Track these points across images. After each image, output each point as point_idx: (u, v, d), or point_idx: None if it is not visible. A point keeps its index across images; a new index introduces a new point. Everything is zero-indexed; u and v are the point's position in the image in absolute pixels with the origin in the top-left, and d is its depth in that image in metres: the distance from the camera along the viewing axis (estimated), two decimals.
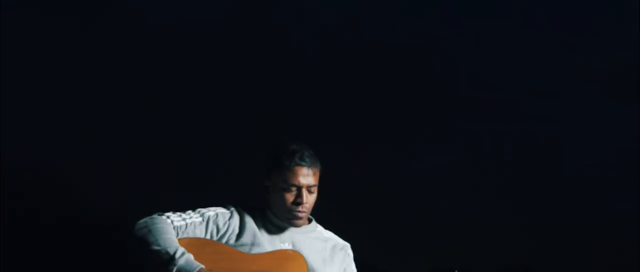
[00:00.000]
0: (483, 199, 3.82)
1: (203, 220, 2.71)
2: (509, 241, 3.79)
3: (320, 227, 2.91)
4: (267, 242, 2.71)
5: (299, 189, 2.70)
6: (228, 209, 2.77)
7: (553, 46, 3.79)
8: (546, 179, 3.80)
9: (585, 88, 3.79)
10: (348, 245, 2.93)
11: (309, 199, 2.73)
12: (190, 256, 2.51)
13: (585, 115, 3.80)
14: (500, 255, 3.85)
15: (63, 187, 3.49)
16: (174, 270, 2.47)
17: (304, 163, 2.70)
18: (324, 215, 2.91)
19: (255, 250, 2.67)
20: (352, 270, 2.87)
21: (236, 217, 2.75)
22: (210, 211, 2.75)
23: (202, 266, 2.50)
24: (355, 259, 2.92)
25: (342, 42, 3.72)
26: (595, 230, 3.81)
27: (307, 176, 2.71)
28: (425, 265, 3.68)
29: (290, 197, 2.70)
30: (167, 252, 2.49)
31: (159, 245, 2.51)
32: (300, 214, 2.73)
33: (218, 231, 2.71)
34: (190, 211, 2.72)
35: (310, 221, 2.88)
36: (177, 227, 2.63)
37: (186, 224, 2.66)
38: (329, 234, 2.92)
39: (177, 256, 2.49)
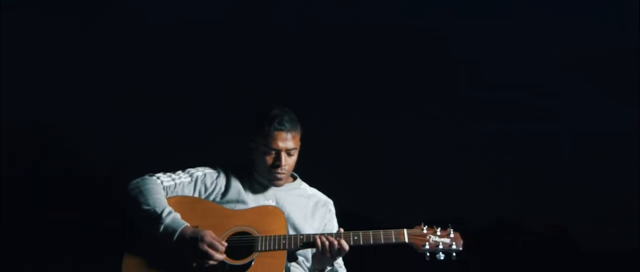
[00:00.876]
0: (473, 158, 3.96)
1: (191, 180, 2.91)
2: (497, 197, 3.95)
3: (304, 185, 3.09)
4: (252, 200, 2.90)
5: (278, 152, 2.87)
6: (215, 169, 2.96)
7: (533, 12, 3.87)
8: (531, 138, 3.93)
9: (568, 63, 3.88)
10: (330, 201, 3.10)
11: (288, 161, 2.90)
12: (176, 215, 2.72)
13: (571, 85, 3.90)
14: (490, 209, 4.02)
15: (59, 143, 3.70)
16: (161, 228, 2.68)
17: (283, 128, 2.86)
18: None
19: (240, 207, 2.86)
20: (333, 225, 3.04)
21: (223, 176, 2.94)
22: (199, 171, 2.94)
23: (187, 224, 2.71)
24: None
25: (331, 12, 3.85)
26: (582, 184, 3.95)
27: (286, 140, 2.87)
28: (420, 217, 3.87)
29: (270, 159, 2.88)
30: (155, 211, 2.70)
31: (148, 204, 2.72)
32: (279, 175, 2.91)
33: (206, 189, 2.91)
34: (179, 171, 2.92)
35: (294, 178, 3.07)
36: (166, 187, 2.84)
37: (175, 184, 2.87)
38: (312, 191, 3.09)
39: (164, 214, 2.70)
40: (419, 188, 4.09)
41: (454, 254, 2.79)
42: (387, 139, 4.06)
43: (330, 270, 2.84)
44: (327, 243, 2.72)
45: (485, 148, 4.14)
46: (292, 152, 2.91)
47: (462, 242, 2.81)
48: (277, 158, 2.88)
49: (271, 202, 2.94)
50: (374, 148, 4.04)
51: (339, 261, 2.99)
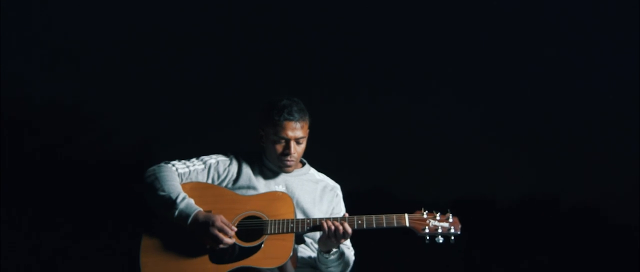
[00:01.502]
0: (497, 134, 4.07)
1: (205, 167, 3.08)
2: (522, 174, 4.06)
3: (312, 170, 3.25)
4: (263, 186, 3.07)
5: (288, 141, 3.03)
6: (228, 156, 3.14)
7: None
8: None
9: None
10: (338, 186, 3.26)
11: (297, 149, 3.06)
12: (190, 201, 2.90)
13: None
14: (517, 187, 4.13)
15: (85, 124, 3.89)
16: (176, 212, 2.86)
17: (292, 118, 3.01)
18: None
19: (251, 192, 3.03)
20: (341, 208, 3.20)
21: (235, 163, 3.11)
22: (212, 159, 3.11)
23: (200, 209, 2.88)
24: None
25: None
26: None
27: (295, 130, 3.03)
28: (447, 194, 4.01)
29: (279, 148, 3.04)
30: (170, 197, 2.88)
31: (163, 191, 2.90)
32: (289, 163, 3.07)
33: (218, 176, 3.08)
34: (193, 159, 3.09)
35: (303, 164, 3.23)
36: (181, 174, 3.01)
37: (190, 171, 3.04)
38: (320, 176, 3.25)
39: (178, 200, 2.88)
40: (446, 166, 4.20)
41: (453, 237, 2.93)
42: (408, 118, 4.16)
43: (336, 251, 2.98)
44: (332, 227, 2.88)
45: (507, 124, 4.23)
46: (300, 140, 3.07)
47: (460, 226, 2.95)
48: (287, 147, 3.04)
49: (281, 188, 3.10)
50: (395, 127, 4.15)
51: (347, 242, 3.15)
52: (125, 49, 3.97)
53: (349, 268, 3.12)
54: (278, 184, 3.11)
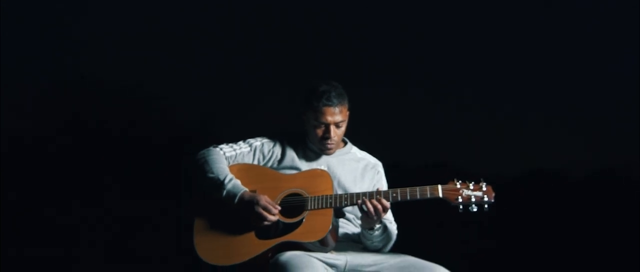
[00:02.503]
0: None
1: (251, 149, 3.30)
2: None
3: (354, 149, 3.41)
4: (305, 166, 3.26)
5: (328, 125, 3.20)
6: (272, 138, 3.34)
7: None
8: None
9: None
10: (379, 163, 3.42)
11: (337, 133, 3.23)
12: (237, 182, 3.12)
13: None
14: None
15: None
16: (224, 193, 3.09)
17: (330, 103, 3.18)
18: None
19: (294, 172, 3.23)
20: (382, 185, 3.33)
21: (279, 145, 3.31)
22: (257, 141, 3.33)
23: (246, 189, 3.10)
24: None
25: None
26: None
27: (334, 115, 3.19)
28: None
29: (320, 132, 3.22)
30: (218, 179, 3.11)
31: (212, 172, 3.13)
32: (329, 146, 3.24)
33: (263, 157, 3.29)
34: (240, 142, 3.31)
35: (345, 143, 3.40)
36: (228, 157, 3.24)
37: (236, 154, 3.27)
38: (362, 154, 3.41)
39: (226, 181, 3.10)
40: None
41: (486, 206, 3.04)
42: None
43: (379, 227, 3.13)
44: (370, 206, 3.03)
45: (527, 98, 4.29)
46: (340, 124, 3.23)
47: (493, 194, 3.05)
48: (327, 131, 3.21)
49: (323, 167, 3.28)
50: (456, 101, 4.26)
51: (389, 217, 3.29)
52: (187, 28, 4.16)
53: (392, 242, 3.26)
54: (320, 165, 3.28)
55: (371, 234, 3.12)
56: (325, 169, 3.26)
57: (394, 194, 3.07)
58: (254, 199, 3.05)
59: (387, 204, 3.04)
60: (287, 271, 2.89)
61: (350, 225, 3.26)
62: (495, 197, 3.05)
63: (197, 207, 3.18)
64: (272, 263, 2.97)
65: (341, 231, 3.20)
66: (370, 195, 3.06)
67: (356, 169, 3.33)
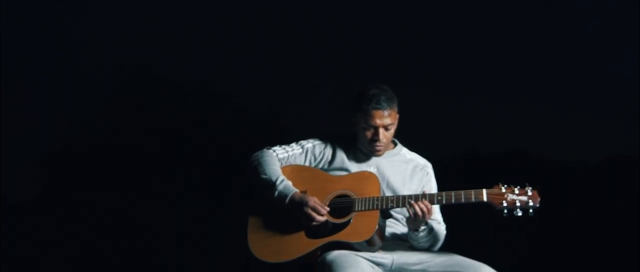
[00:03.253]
0: None
1: (302, 151, 3.43)
2: None
3: (404, 150, 3.50)
4: (355, 167, 3.37)
5: (377, 128, 3.30)
6: (323, 140, 3.46)
7: None
8: None
9: None
10: (428, 165, 3.49)
11: (386, 135, 3.32)
12: (288, 183, 3.25)
13: None
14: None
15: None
16: (276, 193, 3.23)
17: (380, 107, 3.27)
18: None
19: (343, 174, 3.34)
20: (431, 186, 3.41)
21: (329, 147, 3.43)
22: (309, 143, 3.45)
23: (297, 190, 3.23)
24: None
25: None
26: None
27: (383, 117, 3.29)
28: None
29: (369, 134, 3.32)
30: (271, 180, 3.25)
31: (265, 174, 3.28)
32: (378, 148, 3.34)
33: (315, 159, 3.42)
34: (293, 144, 3.45)
35: (395, 144, 3.49)
36: (281, 159, 3.38)
37: (288, 156, 3.40)
38: (412, 155, 3.50)
39: (277, 182, 3.24)
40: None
41: (531, 210, 3.09)
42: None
43: (425, 228, 3.21)
44: (414, 204, 3.12)
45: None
46: (389, 127, 3.32)
47: (539, 199, 3.09)
48: (376, 133, 3.31)
49: (373, 169, 3.38)
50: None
51: (438, 217, 3.37)
52: (256, 24, 4.22)
53: (440, 242, 3.34)
54: (370, 166, 3.38)
55: (416, 235, 3.21)
56: (374, 170, 3.36)
57: (439, 198, 3.14)
58: (303, 200, 3.18)
59: (431, 207, 3.12)
60: (332, 269, 3.01)
61: (398, 225, 3.35)
62: (540, 202, 3.09)
63: (252, 206, 3.33)
64: (320, 262, 3.10)
65: (389, 230, 3.31)
66: (416, 198, 3.15)
67: (405, 170, 3.42)
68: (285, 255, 3.18)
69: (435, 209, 3.36)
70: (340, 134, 3.47)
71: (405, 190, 3.34)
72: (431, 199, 3.14)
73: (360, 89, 3.37)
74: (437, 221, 3.36)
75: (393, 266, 3.22)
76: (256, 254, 3.22)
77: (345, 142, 3.43)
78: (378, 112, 3.28)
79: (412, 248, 3.29)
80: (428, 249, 3.30)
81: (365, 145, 3.37)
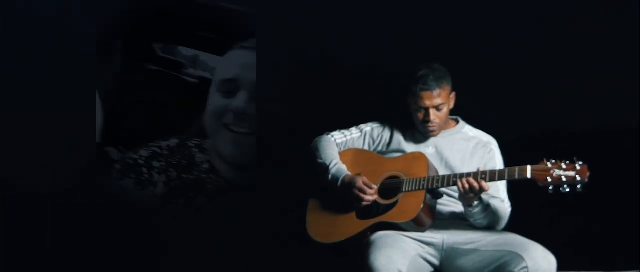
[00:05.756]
0: None
1: (361, 134, 3.50)
2: None
3: (467, 128, 3.44)
4: (413, 148, 3.38)
5: (427, 109, 3.29)
6: (382, 123, 3.50)
7: None
8: None
9: None
10: (492, 141, 3.40)
11: (438, 115, 3.30)
12: (341, 166, 3.34)
13: None
14: None
15: None
16: (330, 176, 3.34)
17: (427, 87, 3.26)
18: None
19: (398, 156, 3.37)
20: (494, 164, 3.32)
21: (387, 129, 3.47)
22: (368, 126, 3.52)
23: (348, 173, 3.31)
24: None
25: None
26: None
27: (432, 98, 3.27)
28: None
29: (420, 116, 3.32)
30: (325, 163, 3.37)
31: (321, 158, 3.40)
32: (431, 129, 3.33)
33: (373, 141, 3.48)
34: (353, 128, 3.53)
35: (457, 122, 3.44)
36: (339, 144, 3.48)
37: (347, 140, 3.49)
38: (475, 132, 3.43)
39: (331, 166, 3.35)
40: None
41: (579, 186, 2.92)
42: None
43: (478, 204, 3.15)
44: (458, 182, 3.08)
45: None
46: (440, 107, 3.29)
47: (588, 174, 2.91)
48: (426, 114, 3.30)
49: (431, 150, 3.37)
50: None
51: (501, 195, 3.28)
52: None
53: (502, 220, 3.26)
54: (428, 146, 3.38)
55: (470, 211, 3.16)
56: (433, 151, 3.35)
57: (483, 176, 3.07)
58: (352, 182, 3.27)
59: (475, 184, 3.05)
60: (370, 249, 3.07)
61: (458, 204, 3.30)
62: (589, 177, 2.92)
63: (312, 190, 3.47)
64: (365, 242, 3.17)
65: (448, 209, 3.28)
66: (461, 176, 3.11)
67: (466, 149, 3.37)
68: (336, 236, 3.29)
69: (498, 186, 3.28)
70: (399, 116, 3.49)
71: (465, 169, 3.29)
72: (475, 177, 3.08)
73: (412, 71, 3.36)
74: (500, 199, 3.28)
75: (444, 246, 3.21)
76: (312, 234, 3.35)
77: (404, 124, 3.45)
78: (426, 94, 3.27)
79: (471, 227, 3.24)
80: (489, 228, 3.23)
81: (418, 126, 3.37)
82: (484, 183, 3.06)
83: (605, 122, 3.86)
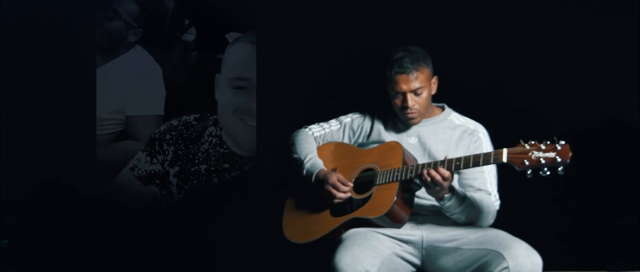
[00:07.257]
0: None
1: (340, 126, 3.26)
2: None
3: (453, 115, 3.15)
4: (394, 138, 3.11)
5: (404, 94, 3.01)
6: (362, 113, 3.26)
7: None
8: None
9: None
10: (479, 129, 3.10)
11: (417, 100, 3.01)
12: (316, 161, 3.11)
13: None
14: None
15: None
16: (304, 172, 3.11)
17: (403, 70, 2.98)
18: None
19: (374, 147, 3.11)
20: (481, 151, 3.00)
21: (368, 119, 3.22)
22: (347, 118, 3.27)
23: (322, 168, 3.06)
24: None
25: None
26: None
27: (409, 82, 2.99)
28: None
29: (398, 102, 3.04)
30: (300, 158, 3.14)
31: (296, 153, 3.17)
32: (410, 115, 3.05)
33: (353, 133, 3.23)
34: (332, 120, 3.29)
35: (443, 109, 3.16)
36: (317, 137, 3.24)
37: (325, 133, 3.25)
38: (461, 120, 3.13)
39: (305, 160, 3.11)
40: None
41: (561, 168, 2.59)
42: None
43: (450, 196, 2.85)
44: (424, 171, 2.80)
45: None
46: (419, 91, 3.01)
47: (570, 154, 2.59)
48: (404, 100, 3.02)
49: (413, 139, 3.10)
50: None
51: (487, 187, 2.97)
52: None
53: (487, 216, 2.93)
54: (410, 136, 3.11)
55: (443, 205, 2.88)
56: (415, 140, 3.09)
57: (457, 163, 2.79)
58: (325, 177, 3.04)
59: (446, 173, 2.77)
60: (338, 248, 2.82)
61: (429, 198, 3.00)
62: (571, 158, 2.59)
63: (290, 188, 3.26)
64: (337, 241, 2.93)
65: (428, 202, 2.99)
66: (435, 164, 2.83)
67: (451, 138, 3.08)
68: (309, 235, 3.05)
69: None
70: (380, 106, 3.24)
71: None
72: (449, 165, 2.80)
73: (390, 54, 3.12)
74: (486, 191, 2.98)
75: (424, 243, 2.93)
76: (287, 235, 3.13)
77: (385, 114, 3.20)
78: (402, 77, 3.00)
79: (455, 222, 2.95)
80: (473, 224, 2.94)
81: (399, 114, 3.11)
82: (443, 171, 2.76)
83: (605, 122, 3.55)
